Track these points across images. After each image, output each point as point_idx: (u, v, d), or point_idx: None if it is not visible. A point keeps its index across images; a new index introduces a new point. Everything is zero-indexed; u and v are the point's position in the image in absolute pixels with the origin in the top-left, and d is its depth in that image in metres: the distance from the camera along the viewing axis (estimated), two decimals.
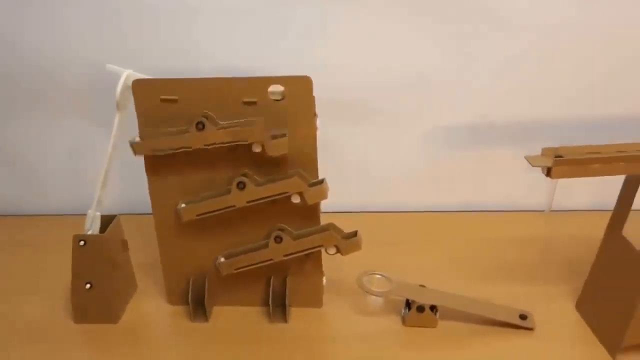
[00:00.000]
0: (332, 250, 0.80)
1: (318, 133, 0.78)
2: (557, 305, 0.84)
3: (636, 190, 0.76)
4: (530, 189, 1.07)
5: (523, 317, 0.81)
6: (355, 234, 0.80)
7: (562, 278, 0.89)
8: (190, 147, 0.76)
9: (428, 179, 1.08)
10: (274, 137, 0.76)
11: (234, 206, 0.78)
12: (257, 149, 0.76)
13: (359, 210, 1.09)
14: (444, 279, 0.89)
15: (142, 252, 0.89)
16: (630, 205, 0.77)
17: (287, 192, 0.78)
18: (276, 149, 0.76)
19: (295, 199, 0.78)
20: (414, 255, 0.97)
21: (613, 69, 0.98)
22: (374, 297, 0.84)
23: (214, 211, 0.78)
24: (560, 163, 0.70)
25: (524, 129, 1.02)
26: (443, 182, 1.08)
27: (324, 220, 0.82)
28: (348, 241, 0.80)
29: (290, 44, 0.97)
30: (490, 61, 0.98)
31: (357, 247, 0.80)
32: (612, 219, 0.79)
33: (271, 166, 0.78)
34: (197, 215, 0.79)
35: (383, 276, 0.83)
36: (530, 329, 0.80)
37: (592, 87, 0.99)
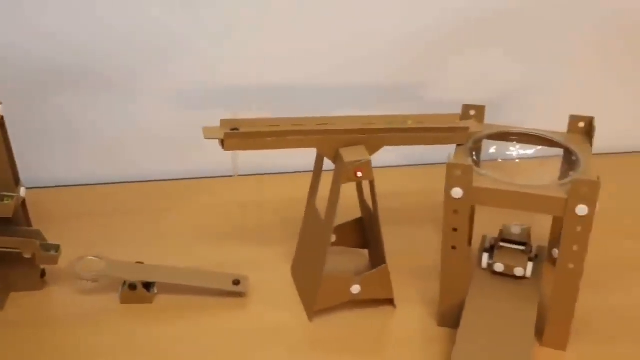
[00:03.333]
0: (28, 256, 0.80)
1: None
2: (274, 269, 0.88)
3: (322, 163, 0.79)
4: None
5: (236, 282, 0.85)
6: (57, 248, 0.81)
7: (281, 240, 0.92)
8: None
9: (155, 145, 1.07)
10: None
11: None
12: None
13: (92, 183, 1.07)
14: (168, 249, 0.91)
15: None
16: (319, 175, 0.81)
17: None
18: None
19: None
20: (139, 228, 0.97)
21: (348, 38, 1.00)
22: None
23: None
24: (232, 136, 0.72)
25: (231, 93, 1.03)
26: (170, 149, 1.08)
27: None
28: (46, 254, 0.81)
29: None
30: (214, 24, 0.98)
31: (53, 261, 0.81)
32: (310, 188, 0.83)
33: None
34: None
35: (96, 258, 0.84)
36: (242, 295, 0.84)
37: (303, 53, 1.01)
